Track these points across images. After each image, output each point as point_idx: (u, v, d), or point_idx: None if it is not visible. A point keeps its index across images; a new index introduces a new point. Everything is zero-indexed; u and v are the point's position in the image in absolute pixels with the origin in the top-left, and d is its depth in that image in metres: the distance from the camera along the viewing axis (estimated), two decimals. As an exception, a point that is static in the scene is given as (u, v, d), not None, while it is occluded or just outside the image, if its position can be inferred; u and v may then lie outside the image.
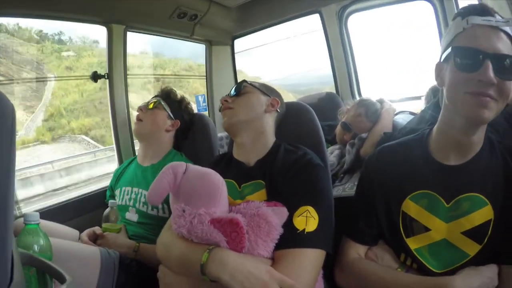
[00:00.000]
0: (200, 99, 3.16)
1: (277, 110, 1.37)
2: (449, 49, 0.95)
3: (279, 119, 1.39)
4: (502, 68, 0.88)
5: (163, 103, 1.83)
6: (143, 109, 1.81)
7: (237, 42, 3.26)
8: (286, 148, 1.28)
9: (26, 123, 13.66)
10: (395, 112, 2.21)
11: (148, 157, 1.80)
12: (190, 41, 2.98)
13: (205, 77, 3.20)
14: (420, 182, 1.03)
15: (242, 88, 1.35)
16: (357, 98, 2.85)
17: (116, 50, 2.25)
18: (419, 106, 2.40)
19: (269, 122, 1.34)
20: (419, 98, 2.59)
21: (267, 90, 1.38)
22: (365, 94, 2.92)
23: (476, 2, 2.45)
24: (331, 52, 2.88)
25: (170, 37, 2.85)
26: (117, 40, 2.24)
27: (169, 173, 1.05)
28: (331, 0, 2.77)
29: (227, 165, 1.34)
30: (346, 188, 1.72)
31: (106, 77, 2.25)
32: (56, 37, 15.83)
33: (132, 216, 1.67)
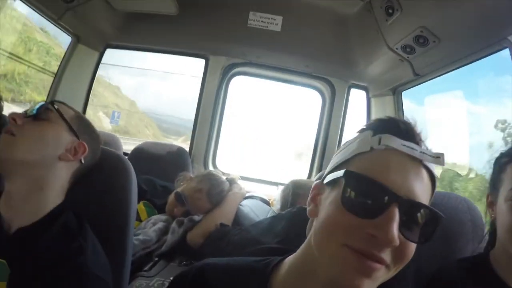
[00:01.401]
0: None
1: (81, 161, 0.97)
2: (340, 172, 0.62)
3: (81, 173, 0.99)
4: (411, 221, 0.57)
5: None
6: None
7: (110, 52, 2.70)
8: (66, 223, 0.89)
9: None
10: (245, 196, 1.89)
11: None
12: (55, 26, 2.29)
13: (54, 75, 2.51)
14: None
15: (43, 111, 0.93)
16: (209, 166, 2.50)
17: None
18: (274, 194, 2.14)
19: (61, 175, 0.94)
20: (276, 184, 2.38)
21: (78, 128, 0.98)
22: (220, 164, 2.60)
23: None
24: (201, 103, 2.54)
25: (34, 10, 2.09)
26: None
27: None
28: (222, 51, 2.52)
29: None
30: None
31: None
32: None
33: None
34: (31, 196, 0.88)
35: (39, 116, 0.92)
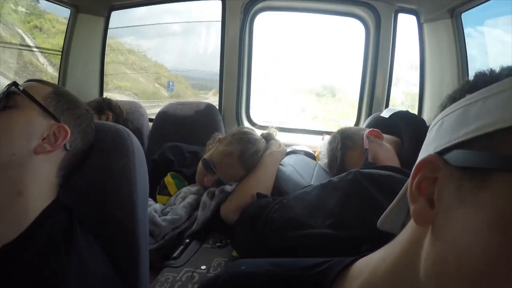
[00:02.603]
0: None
1: (65, 148, 0.76)
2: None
3: (72, 161, 0.79)
4: None
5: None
6: None
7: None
8: (52, 230, 0.70)
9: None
10: (285, 153, 1.63)
11: None
12: (49, 1, 2.12)
13: (60, 52, 2.33)
14: None
15: (8, 97, 0.74)
16: (244, 121, 2.23)
17: None
18: (318, 144, 1.84)
19: (42, 171, 0.74)
20: (321, 133, 2.07)
21: (56, 107, 0.77)
22: (255, 116, 2.33)
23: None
24: (224, 51, 2.20)
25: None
26: None
27: None
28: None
29: None
30: (177, 285, 1.01)
31: None
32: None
33: None
34: (10, 204, 0.70)
35: (6, 104, 0.73)
